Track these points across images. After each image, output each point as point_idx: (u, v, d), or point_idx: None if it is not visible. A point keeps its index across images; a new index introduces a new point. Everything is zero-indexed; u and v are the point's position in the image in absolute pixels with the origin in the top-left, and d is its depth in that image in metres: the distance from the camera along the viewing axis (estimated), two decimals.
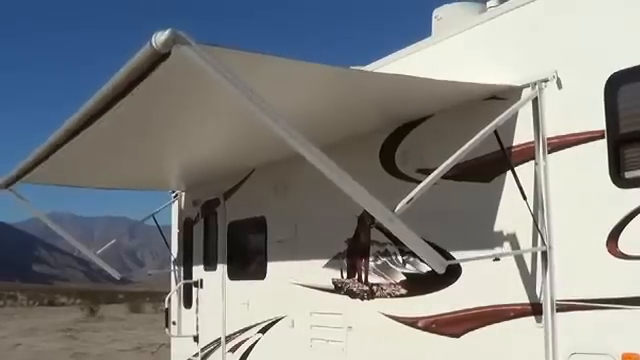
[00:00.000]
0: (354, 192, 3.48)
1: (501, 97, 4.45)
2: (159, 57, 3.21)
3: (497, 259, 4.04)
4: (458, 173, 4.34)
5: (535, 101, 4.22)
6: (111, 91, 3.70)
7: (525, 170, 4.26)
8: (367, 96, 4.72)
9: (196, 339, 8.52)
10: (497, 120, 4.12)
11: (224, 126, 5.41)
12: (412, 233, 3.66)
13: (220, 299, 7.94)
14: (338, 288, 5.96)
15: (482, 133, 4.03)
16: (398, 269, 5.29)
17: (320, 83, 4.32)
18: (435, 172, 3.80)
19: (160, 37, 3.10)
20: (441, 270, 3.77)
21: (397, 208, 3.56)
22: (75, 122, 4.42)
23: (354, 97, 4.68)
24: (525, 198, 4.20)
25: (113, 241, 9.06)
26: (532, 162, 4.22)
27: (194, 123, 5.22)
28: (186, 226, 9.09)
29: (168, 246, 9.53)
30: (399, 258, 5.27)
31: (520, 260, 4.29)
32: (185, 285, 8.99)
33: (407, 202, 3.60)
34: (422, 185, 3.70)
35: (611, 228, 3.73)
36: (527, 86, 4.28)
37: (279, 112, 3.32)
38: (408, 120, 5.24)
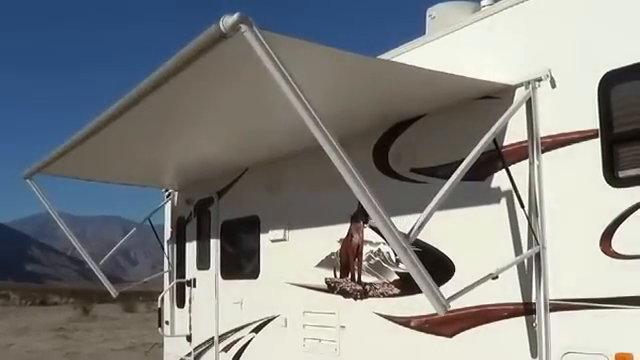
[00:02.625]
0: (372, 210, 3.36)
1: (494, 96, 4.44)
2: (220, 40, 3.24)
3: (496, 277, 3.98)
4: (451, 173, 4.32)
5: (529, 100, 4.21)
6: (180, 62, 3.67)
7: (519, 169, 4.25)
8: (368, 91, 4.67)
9: (189, 338, 8.49)
10: (499, 123, 4.09)
11: (236, 121, 5.40)
12: (421, 266, 3.45)
13: (213, 298, 7.92)
14: (331, 287, 5.94)
15: (486, 139, 4.00)
16: (391, 268, 5.27)
17: (350, 75, 4.26)
18: (440, 193, 3.74)
19: (228, 20, 3.14)
20: (441, 311, 3.51)
21: (411, 235, 3.51)
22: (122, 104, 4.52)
23: (359, 91, 4.65)
24: (519, 197, 4.19)
25: (114, 249, 8.94)
26: (526, 161, 4.21)
27: (215, 114, 5.21)
28: (179, 225, 9.06)
29: (162, 247, 9.49)
30: (392, 257, 5.26)
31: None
32: (178, 284, 8.97)
33: (418, 227, 3.57)
34: (431, 206, 3.67)
35: (605, 227, 3.73)
36: (521, 85, 4.27)
37: (315, 109, 3.27)
38: (402, 119, 5.22)
